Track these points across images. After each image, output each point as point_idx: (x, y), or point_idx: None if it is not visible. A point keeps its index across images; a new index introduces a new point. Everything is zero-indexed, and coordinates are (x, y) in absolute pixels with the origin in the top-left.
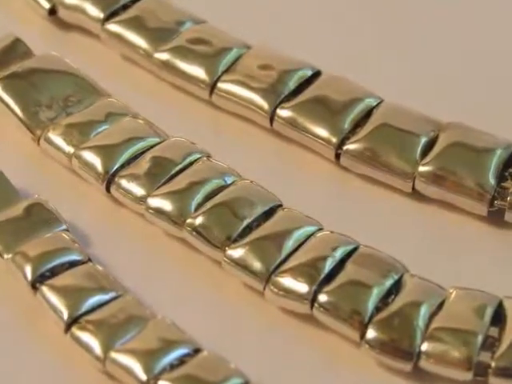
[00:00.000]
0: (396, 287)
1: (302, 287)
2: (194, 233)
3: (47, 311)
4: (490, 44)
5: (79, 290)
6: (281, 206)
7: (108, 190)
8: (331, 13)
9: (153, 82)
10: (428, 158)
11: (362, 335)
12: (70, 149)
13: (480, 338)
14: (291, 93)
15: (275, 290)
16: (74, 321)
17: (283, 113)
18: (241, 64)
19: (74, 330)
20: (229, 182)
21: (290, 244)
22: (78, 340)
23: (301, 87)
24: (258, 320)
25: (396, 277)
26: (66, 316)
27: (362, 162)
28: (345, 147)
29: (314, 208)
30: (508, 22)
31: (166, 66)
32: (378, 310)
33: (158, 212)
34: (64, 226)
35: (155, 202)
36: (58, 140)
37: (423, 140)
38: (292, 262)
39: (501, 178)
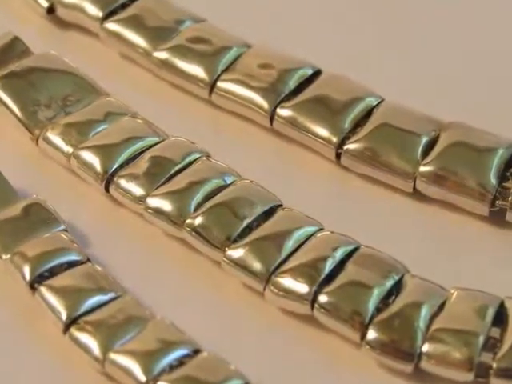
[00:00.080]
0: (397, 288)
1: (302, 288)
2: (194, 233)
3: (46, 312)
4: (491, 43)
5: (78, 290)
6: (281, 205)
7: (107, 189)
8: (332, 12)
9: (152, 82)
10: (429, 158)
11: (363, 336)
12: (68, 148)
13: (481, 339)
14: (291, 92)
15: (275, 290)
16: (72, 321)
17: (283, 112)
18: (241, 63)
19: (73, 330)
20: (228, 182)
21: (290, 244)
22: (76, 341)
23: (301, 86)
24: (258, 321)
25: (397, 277)
26: (64, 317)
27: (362, 161)
28: (345, 147)
29: (314, 208)
30: (510, 21)
31: (166, 65)
32: (378, 310)
33: (158, 212)
34: (63, 226)
35: (154, 201)
36: (57, 140)
37: (424, 140)
38: (292, 263)
39: (502, 177)
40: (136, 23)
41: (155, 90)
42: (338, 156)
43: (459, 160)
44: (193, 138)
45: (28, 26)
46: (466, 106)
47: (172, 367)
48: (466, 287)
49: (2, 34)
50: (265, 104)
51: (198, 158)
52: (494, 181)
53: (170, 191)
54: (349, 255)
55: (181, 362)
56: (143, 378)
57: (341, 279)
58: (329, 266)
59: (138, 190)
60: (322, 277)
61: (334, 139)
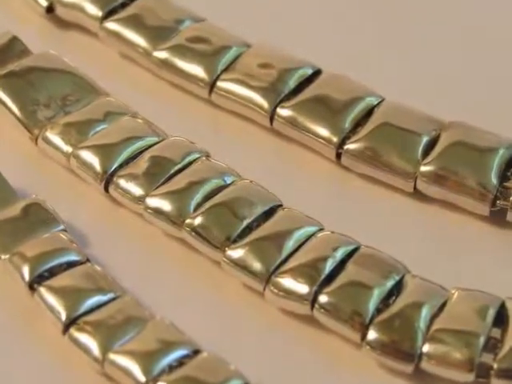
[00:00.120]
0: (397, 288)
1: (303, 288)
2: (193, 233)
3: (45, 312)
4: (492, 43)
5: (77, 290)
6: (281, 205)
7: (106, 189)
8: (332, 11)
9: (152, 81)
10: (430, 158)
11: (363, 336)
12: (68, 148)
13: (482, 340)
14: (291, 92)
15: (275, 290)
16: (71, 322)
17: (283, 112)
18: (240, 62)
19: (72, 331)
20: (228, 182)
21: (290, 244)
22: (76, 341)
23: (301, 86)
24: (258, 321)
25: (397, 277)
26: (63, 317)
27: (362, 161)
28: (345, 146)
29: (314, 208)
30: (510, 20)
31: (165, 64)
32: (379, 311)
33: (157, 212)
34: (62, 226)
35: (154, 201)
36: (56, 139)
37: (425, 139)
38: (292, 263)
39: (503, 177)
40: (136, 23)
41: (155, 90)
42: (339, 156)
43: (460, 160)
44: (192, 137)
45: (27, 25)
46: (467, 106)
47: (172, 368)
48: (466, 287)
49: (1, 33)
50: (265, 104)
51: (197, 158)
52: (494, 180)
53: (170, 191)
54: (349, 255)
55: (180, 363)
56: (143, 379)
57: (341, 279)
58: (329, 266)
59: (137, 190)
60: (322, 277)
61: (335, 139)
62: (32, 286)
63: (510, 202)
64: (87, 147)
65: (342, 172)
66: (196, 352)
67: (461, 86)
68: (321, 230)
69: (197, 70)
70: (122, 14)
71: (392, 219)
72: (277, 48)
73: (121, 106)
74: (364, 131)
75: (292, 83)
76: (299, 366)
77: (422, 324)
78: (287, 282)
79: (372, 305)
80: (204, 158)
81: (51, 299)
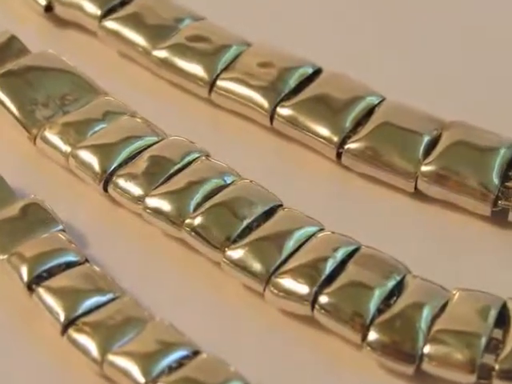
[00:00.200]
0: (398, 288)
1: (303, 288)
2: (193, 233)
3: (43, 313)
4: (493, 42)
5: (76, 291)
6: (281, 205)
7: (105, 189)
8: (332, 11)
9: (151, 80)
10: (431, 158)
11: (364, 337)
12: (66, 148)
13: (484, 340)
14: (292, 91)
15: (275, 291)
16: (70, 323)
17: (283, 111)
18: (240, 62)
19: (71, 332)
20: (228, 182)
21: (290, 244)
22: (74, 342)
23: (301, 85)
24: (258, 322)
25: (398, 278)
26: (62, 318)
27: (363, 161)
28: (346, 146)
29: (314, 208)
30: (511, 19)
31: (165, 63)
32: (379, 311)
33: (156, 212)
34: (60, 227)
35: (153, 201)
36: (55, 139)
37: (426, 139)
38: (292, 263)
39: (504, 177)
40: (135, 21)
41: (154, 89)
42: (339, 155)
43: (461, 159)
44: (192, 137)
45: (25, 24)
46: (468, 106)
47: (171, 369)
48: (467, 288)
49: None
50: (265, 103)
51: (197, 158)
52: (496, 180)
53: (169, 191)
54: (350, 255)
55: (180, 364)
56: (142, 380)
57: (341, 280)
58: (329, 266)
59: (136, 190)
60: (323, 277)
61: (335, 138)
62: (30, 286)
63: None
64: (86, 147)
65: (342, 172)
66: (196, 353)
67: (461, 85)
68: (321, 230)
69: (196, 69)
70: (121, 12)
71: (393, 219)
72: (277, 47)
73: (120, 105)
74: (365, 131)
75: (292, 82)
76: (299, 367)
77: (423, 325)
78: (287, 282)
79: (373, 305)
80: (204, 158)
81: (50, 300)
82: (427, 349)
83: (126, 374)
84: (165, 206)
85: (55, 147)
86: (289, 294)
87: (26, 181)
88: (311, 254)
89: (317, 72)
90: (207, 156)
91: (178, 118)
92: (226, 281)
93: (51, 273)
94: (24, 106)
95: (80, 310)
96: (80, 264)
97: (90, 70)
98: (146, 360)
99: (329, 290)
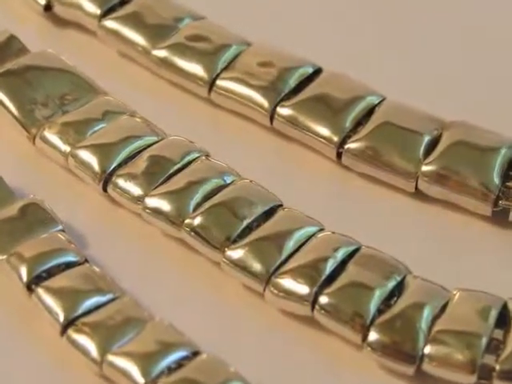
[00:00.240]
0: (398, 289)
1: (303, 289)
2: (193, 233)
3: (43, 313)
4: (494, 42)
5: (75, 291)
6: (281, 205)
7: (105, 189)
8: (332, 11)
9: (151, 80)
10: (431, 157)
11: (364, 338)
12: (66, 148)
13: (484, 341)
14: (292, 91)
15: (275, 291)
16: (70, 323)
17: (283, 111)
18: (240, 61)
19: (71, 332)
20: (228, 182)
21: (290, 245)
22: (74, 343)
23: (301, 85)
24: (258, 322)
25: (398, 278)
26: (61, 318)
27: (363, 161)
28: (346, 146)
29: (314, 208)
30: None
31: (165, 63)
32: (380, 312)
33: (156, 212)
34: (60, 227)
35: (153, 201)
36: (54, 139)
37: (426, 139)
38: (292, 263)
39: (505, 177)
40: (134, 21)
41: (154, 89)
42: (339, 155)
43: (462, 159)
44: (192, 137)
45: (25, 23)
46: (468, 105)
47: (171, 369)
48: (468, 288)
49: None
50: (265, 103)
51: (197, 158)
52: (496, 180)
53: (169, 191)
54: (350, 256)
55: (180, 364)
56: (141, 381)
57: (342, 280)
58: (330, 266)
59: (136, 190)
60: (323, 278)
61: (335, 138)
62: (30, 286)
63: None
64: (85, 147)
65: (342, 172)
66: (195, 353)
67: (462, 85)
68: (321, 230)
69: (196, 68)
70: (121, 12)
71: (393, 219)
72: (277, 46)
73: (119, 105)
74: (365, 130)
75: (292, 82)
76: (299, 368)
77: (423, 325)
78: (287, 282)
79: (373, 306)
80: (203, 158)
81: (49, 300)
82: (428, 349)
83: (125, 374)
84: (164, 205)
85: (54, 147)
86: (289, 295)
87: (25, 181)
88: (311, 254)
89: (317, 72)
90: (207, 156)
91: (178, 118)
92: (226, 281)
93: (51, 273)
94: (23, 106)
95: (79, 311)
96: (79, 264)
97: (89, 70)
98: (145, 360)
99: (329, 290)
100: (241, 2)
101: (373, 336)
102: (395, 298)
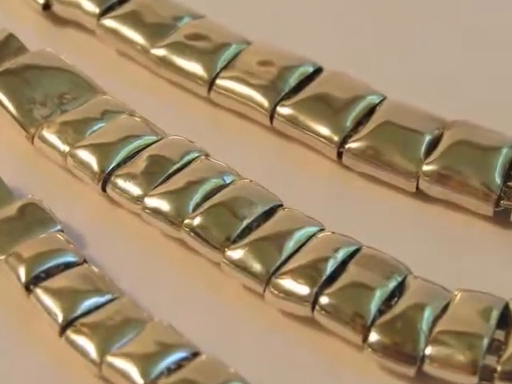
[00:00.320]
0: (399, 289)
1: (303, 289)
2: (192, 233)
3: (41, 314)
4: (495, 41)
5: (74, 292)
6: (281, 205)
7: (104, 189)
8: (332, 10)
9: (150, 79)
10: (432, 157)
11: (365, 338)
12: (64, 147)
13: (485, 342)
14: (292, 90)
15: (275, 292)
16: (68, 324)
17: (283, 110)
18: (240, 60)
19: (69, 333)
20: (228, 182)
21: (290, 245)
22: (73, 343)
23: (302, 84)
24: (258, 323)
25: (399, 279)
26: (60, 319)
27: (364, 160)
28: (347, 146)
29: (315, 208)
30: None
31: (164, 62)
32: (380, 312)
33: (155, 212)
34: (59, 227)
35: (152, 201)
36: (53, 138)
37: (427, 138)
38: (293, 264)
39: (507, 177)
40: (133, 20)
41: (153, 88)
42: (340, 155)
43: (463, 159)
44: (191, 136)
45: (24, 22)
46: (469, 105)
47: (170, 370)
48: (469, 288)
49: None
50: (265, 102)
51: (196, 157)
52: (498, 180)
53: (168, 191)
54: (350, 256)
55: (179, 365)
56: (141, 382)
57: (342, 280)
58: (330, 267)
59: (135, 190)
60: (323, 278)
61: (336, 138)
62: (28, 287)
63: None
64: (84, 146)
65: (343, 171)
66: (195, 354)
67: (463, 85)
68: (322, 230)
69: (196, 67)
70: (120, 10)
71: (394, 219)
72: (277, 45)
73: (118, 104)
74: (365, 130)
75: (292, 81)
76: (299, 369)
77: (424, 326)
78: (287, 283)
79: (374, 306)
80: (203, 157)
81: (48, 300)
82: (429, 350)
83: (124, 375)
84: (164, 205)
85: (53, 146)
86: (289, 295)
87: (23, 180)
88: (311, 254)
89: (317, 71)
90: (207, 155)
91: (177, 117)
92: (226, 281)
93: (49, 273)
94: (22, 105)
95: (78, 311)
96: (78, 264)
97: (88, 69)
98: (144, 361)
99: (329, 290)
100: (240, 1)
101: (373, 337)
102: (396, 299)
